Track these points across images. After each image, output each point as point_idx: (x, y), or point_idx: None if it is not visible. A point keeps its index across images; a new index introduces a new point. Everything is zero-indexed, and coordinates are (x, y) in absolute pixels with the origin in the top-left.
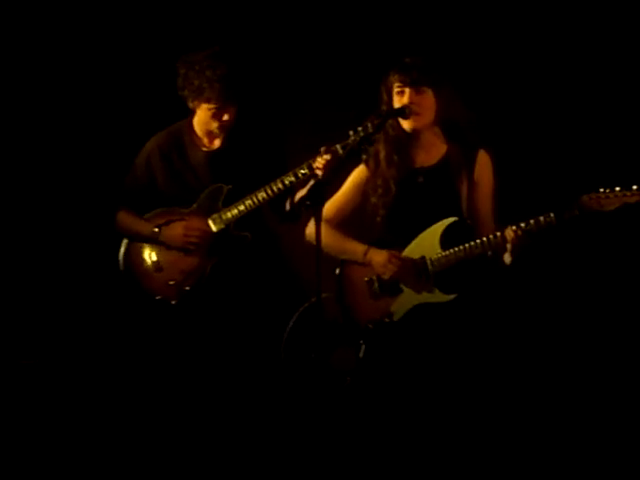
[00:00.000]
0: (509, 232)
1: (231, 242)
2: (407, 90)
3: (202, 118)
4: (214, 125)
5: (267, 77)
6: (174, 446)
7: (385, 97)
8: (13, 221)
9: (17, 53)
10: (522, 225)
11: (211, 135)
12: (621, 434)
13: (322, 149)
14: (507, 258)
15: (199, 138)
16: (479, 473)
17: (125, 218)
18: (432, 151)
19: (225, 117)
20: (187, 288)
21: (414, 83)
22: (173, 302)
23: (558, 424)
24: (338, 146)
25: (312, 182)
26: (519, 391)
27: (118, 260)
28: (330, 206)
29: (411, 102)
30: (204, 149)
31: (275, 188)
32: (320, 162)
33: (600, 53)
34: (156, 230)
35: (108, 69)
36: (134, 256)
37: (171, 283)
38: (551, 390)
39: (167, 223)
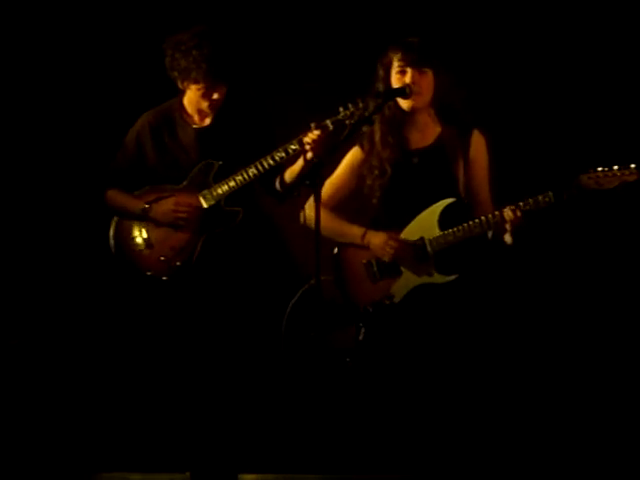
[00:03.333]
0: (507, 212)
1: (223, 217)
2: (409, 70)
3: (192, 98)
4: (204, 104)
5: (256, 54)
6: (169, 422)
7: (382, 74)
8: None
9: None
10: (520, 204)
11: (202, 113)
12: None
13: (312, 125)
14: (508, 238)
15: (189, 116)
16: (478, 456)
17: (115, 196)
18: (426, 132)
19: (215, 96)
20: (178, 263)
21: (416, 63)
22: (164, 278)
23: (557, 405)
24: (328, 121)
25: (301, 160)
26: (521, 375)
27: (108, 239)
28: (326, 189)
29: (413, 82)
30: (194, 126)
31: (265, 164)
32: (310, 137)
33: (596, 31)
34: (146, 207)
35: (98, 49)
36: (124, 234)
37: (162, 259)
38: (551, 370)
39: (157, 200)
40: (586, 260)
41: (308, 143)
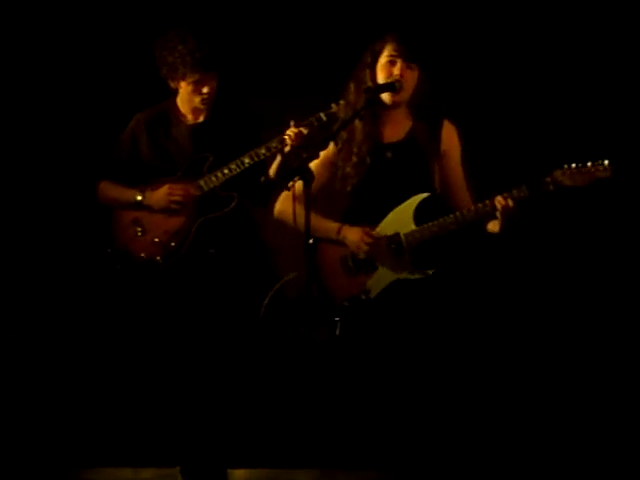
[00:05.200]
0: (499, 200)
1: (218, 202)
2: (399, 61)
3: (184, 96)
4: (197, 100)
5: (248, 50)
6: (158, 417)
7: (369, 60)
8: None
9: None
10: (514, 192)
11: (196, 111)
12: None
13: (291, 122)
14: (494, 226)
15: (183, 115)
16: (459, 449)
17: (108, 187)
18: (398, 127)
19: (205, 89)
20: (172, 244)
21: (408, 56)
22: (158, 258)
23: (538, 398)
24: (322, 114)
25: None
26: (502, 369)
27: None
28: (300, 184)
29: (401, 75)
30: (188, 123)
31: (260, 153)
32: (292, 131)
33: (571, 24)
34: (139, 196)
35: (94, 45)
36: (118, 225)
37: (156, 240)
38: (531, 364)
39: (151, 189)
40: (564, 255)
41: (289, 136)
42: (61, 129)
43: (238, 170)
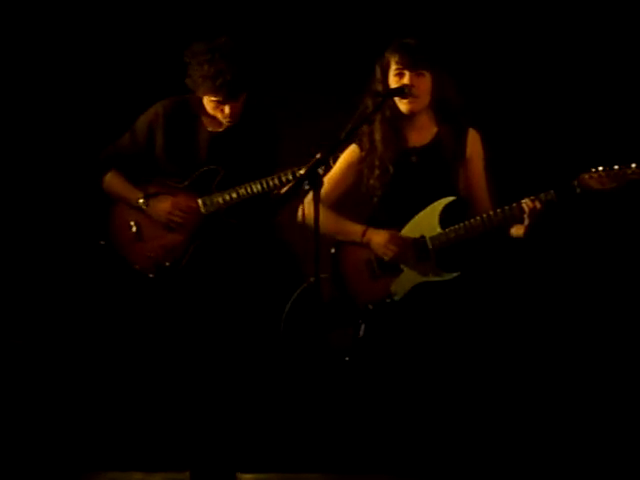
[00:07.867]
0: (527, 202)
1: (219, 227)
2: (407, 72)
3: (207, 104)
4: (218, 115)
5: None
6: (168, 422)
7: (380, 76)
8: None
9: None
10: (534, 197)
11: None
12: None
13: (318, 156)
14: (519, 231)
15: (207, 116)
16: (477, 455)
17: (114, 180)
18: (424, 131)
19: (226, 110)
20: (167, 264)
21: (414, 65)
22: (151, 275)
23: (557, 403)
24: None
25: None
26: (522, 374)
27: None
28: (324, 187)
29: (411, 84)
30: (209, 129)
31: (271, 183)
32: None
33: (594, 29)
34: (142, 201)
35: (101, 35)
36: (117, 222)
37: (151, 255)
38: (551, 370)
39: (156, 194)
40: (588, 259)
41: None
42: (67, 121)
43: (245, 196)
